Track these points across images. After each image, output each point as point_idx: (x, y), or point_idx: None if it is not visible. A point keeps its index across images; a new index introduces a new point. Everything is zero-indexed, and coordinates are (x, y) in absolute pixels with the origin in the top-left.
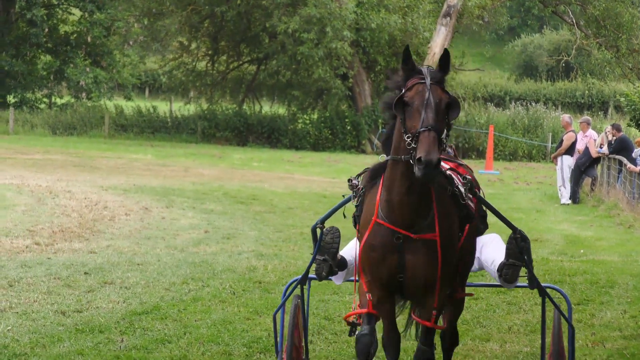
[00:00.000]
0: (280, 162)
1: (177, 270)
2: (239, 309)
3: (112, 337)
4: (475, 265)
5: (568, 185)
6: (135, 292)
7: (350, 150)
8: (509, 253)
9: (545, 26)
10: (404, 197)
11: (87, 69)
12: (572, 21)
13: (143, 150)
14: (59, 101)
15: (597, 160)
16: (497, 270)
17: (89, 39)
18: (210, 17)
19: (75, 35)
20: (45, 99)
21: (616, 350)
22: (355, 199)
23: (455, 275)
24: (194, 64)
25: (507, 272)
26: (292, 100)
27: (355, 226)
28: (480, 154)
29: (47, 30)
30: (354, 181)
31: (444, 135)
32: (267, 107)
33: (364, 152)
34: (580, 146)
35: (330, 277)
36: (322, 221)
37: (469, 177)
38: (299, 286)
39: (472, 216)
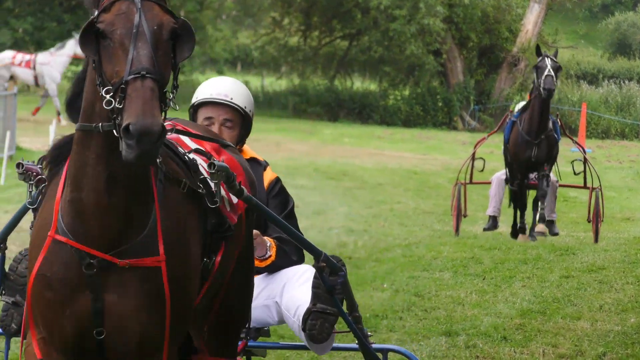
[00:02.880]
0: (370, 138)
1: None
2: None
3: None
4: (275, 317)
5: None
6: None
7: (441, 126)
8: (315, 294)
9: (639, 4)
10: (101, 196)
11: None
12: None
13: None
14: None
15: None
16: (302, 322)
17: (182, 13)
18: None
19: None
20: None
21: None
22: (32, 198)
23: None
24: (286, 39)
25: (313, 325)
26: (383, 76)
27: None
28: (573, 132)
29: None
30: (28, 166)
31: (169, 87)
32: (359, 83)
33: (455, 128)
34: None
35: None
36: (3, 239)
37: (223, 164)
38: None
39: (229, 229)
